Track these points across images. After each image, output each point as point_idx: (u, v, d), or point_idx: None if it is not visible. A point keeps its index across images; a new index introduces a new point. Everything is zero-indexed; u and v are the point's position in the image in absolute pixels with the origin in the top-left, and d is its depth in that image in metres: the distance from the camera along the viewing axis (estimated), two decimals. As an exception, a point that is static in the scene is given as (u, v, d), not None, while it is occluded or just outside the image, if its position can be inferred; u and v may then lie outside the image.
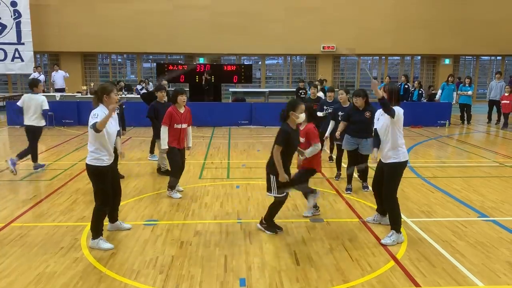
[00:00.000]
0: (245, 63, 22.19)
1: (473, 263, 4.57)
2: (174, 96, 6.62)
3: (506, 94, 14.79)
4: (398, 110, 4.95)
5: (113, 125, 4.84)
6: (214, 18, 20.59)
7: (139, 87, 17.45)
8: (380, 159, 5.23)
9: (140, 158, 9.67)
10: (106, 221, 5.11)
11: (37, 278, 4.22)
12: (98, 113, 4.62)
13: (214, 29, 20.63)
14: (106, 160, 4.79)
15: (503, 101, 14.83)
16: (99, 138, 4.69)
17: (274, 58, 23.68)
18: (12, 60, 19.79)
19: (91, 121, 4.59)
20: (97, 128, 4.52)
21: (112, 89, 4.81)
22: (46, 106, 8.26)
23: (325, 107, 8.83)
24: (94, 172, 4.77)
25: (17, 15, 19.53)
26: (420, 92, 16.50)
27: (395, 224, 5.08)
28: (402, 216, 5.67)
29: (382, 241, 5.06)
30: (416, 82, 17.40)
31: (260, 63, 23.10)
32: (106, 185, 4.84)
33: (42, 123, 8.37)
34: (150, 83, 19.25)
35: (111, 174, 4.95)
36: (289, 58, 23.27)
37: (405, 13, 21.14)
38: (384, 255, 4.77)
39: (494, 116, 15.73)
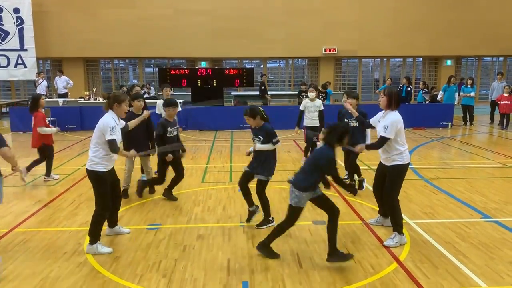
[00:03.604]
0: (247, 66, 22.23)
1: (476, 264, 4.57)
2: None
3: (506, 95, 14.72)
4: (396, 122, 4.91)
5: (118, 135, 4.91)
6: (215, 23, 20.66)
7: (141, 92, 17.49)
8: (380, 162, 5.24)
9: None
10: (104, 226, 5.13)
11: (41, 283, 4.25)
12: (113, 126, 4.73)
13: (215, 33, 20.71)
14: (106, 165, 4.84)
15: (502, 102, 14.75)
16: (106, 145, 4.76)
17: (275, 61, 23.72)
18: (15, 66, 19.97)
19: (110, 136, 4.69)
20: (115, 150, 4.71)
21: (124, 99, 4.95)
22: None
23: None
24: (94, 177, 4.82)
25: (20, 21, 19.69)
26: (424, 92, 16.57)
27: (397, 225, 5.08)
28: (405, 217, 5.68)
29: (385, 243, 5.06)
30: (421, 82, 17.47)
31: (262, 66, 23.15)
32: (106, 190, 4.88)
33: None
34: (152, 88, 19.33)
35: (111, 178, 5.00)
36: (290, 61, 23.32)
37: (406, 15, 21.15)
38: (386, 257, 4.77)
39: (497, 117, 15.68)
